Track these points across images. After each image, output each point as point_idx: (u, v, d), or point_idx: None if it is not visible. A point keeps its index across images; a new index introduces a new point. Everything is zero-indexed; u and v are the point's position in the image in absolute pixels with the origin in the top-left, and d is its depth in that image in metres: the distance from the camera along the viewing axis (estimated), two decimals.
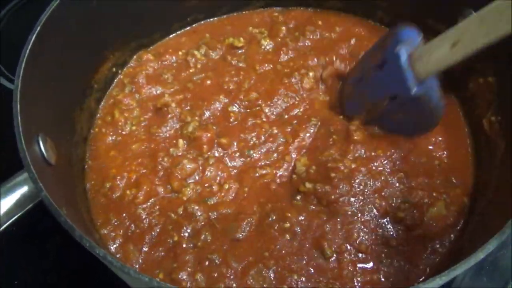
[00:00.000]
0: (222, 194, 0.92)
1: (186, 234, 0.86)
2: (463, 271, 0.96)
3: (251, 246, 0.85)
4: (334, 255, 0.83)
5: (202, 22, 1.23)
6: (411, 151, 0.95)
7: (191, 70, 1.13)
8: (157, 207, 0.90)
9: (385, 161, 0.93)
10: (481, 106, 0.94)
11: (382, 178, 0.91)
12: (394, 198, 0.89)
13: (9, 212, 0.71)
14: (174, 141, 0.98)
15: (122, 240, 0.86)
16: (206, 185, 0.93)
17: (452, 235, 0.87)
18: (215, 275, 0.81)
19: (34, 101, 0.79)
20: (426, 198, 0.89)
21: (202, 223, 0.87)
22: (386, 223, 0.87)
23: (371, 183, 0.90)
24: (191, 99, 1.05)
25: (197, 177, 0.94)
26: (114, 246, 0.86)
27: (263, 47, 1.14)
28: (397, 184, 0.91)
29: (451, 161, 0.95)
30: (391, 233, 0.86)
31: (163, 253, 0.85)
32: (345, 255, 0.83)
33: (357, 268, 0.83)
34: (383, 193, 0.89)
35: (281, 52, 1.12)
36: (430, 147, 0.96)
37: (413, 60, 0.82)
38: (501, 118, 0.88)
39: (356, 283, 0.81)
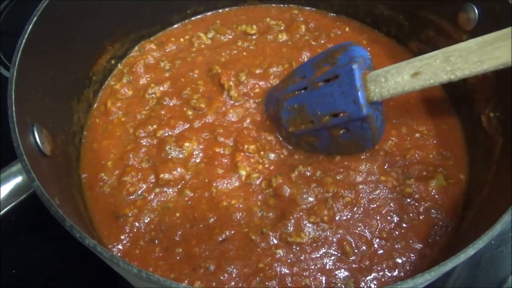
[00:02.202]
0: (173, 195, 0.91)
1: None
2: (460, 267, 0.99)
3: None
4: (356, 251, 0.84)
5: (209, 13, 1.22)
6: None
7: (192, 49, 1.13)
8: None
9: None
10: (480, 102, 0.93)
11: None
12: (395, 173, 0.92)
13: (3, 201, 0.71)
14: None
15: (118, 236, 0.87)
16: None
17: (457, 212, 0.89)
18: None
19: (30, 91, 0.80)
20: (424, 172, 0.91)
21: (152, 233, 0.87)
22: (397, 201, 0.89)
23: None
24: (172, 79, 1.06)
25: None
26: (114, 243, 0.86)
27: (279, 39, 1.15)
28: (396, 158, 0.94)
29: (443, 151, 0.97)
30: (403, 210, 0.88)
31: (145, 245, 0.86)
32: (364, 247, 0.84)
33: (375, 257, 0.84)
34: (385, 167, 0.92)
35: (302, 50, 1.12)
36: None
37: (366, 81, 0.81)
38: (499, 114, 0.87)
39: (374, 273, 0.82)
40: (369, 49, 1.13)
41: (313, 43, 1.15)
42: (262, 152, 0.94)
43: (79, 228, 0.59)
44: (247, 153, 0.93)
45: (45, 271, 1.00)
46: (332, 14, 1.22)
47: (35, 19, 0.81)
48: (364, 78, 0.81)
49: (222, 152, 0.95)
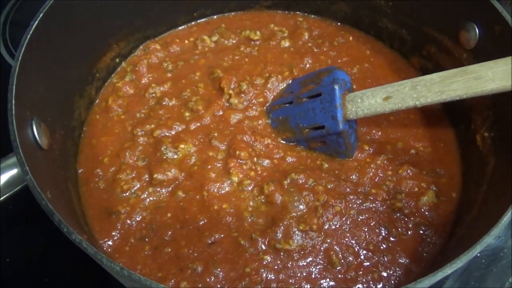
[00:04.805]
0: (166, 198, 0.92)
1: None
2: (448, 285, 1.00)
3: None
4: (342, 261, 0.85)
5: (215, 16, 1.24)
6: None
7: (195, 52, 1.15)
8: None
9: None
10: (477, 121, 0.94)
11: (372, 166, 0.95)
12: (386, 186, 0.93)
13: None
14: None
15: (109, 232, 0.88)
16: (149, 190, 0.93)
17: (446, 229, 0.89)
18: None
19: (32, 85, 0.81)
20: (416, 188, 0.92)
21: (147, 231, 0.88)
22: (387, 214, 0.90)
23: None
24: (173, 79, 1.08)
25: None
26: (105, 239, 0.87)
27: (281, 45, 1.16)
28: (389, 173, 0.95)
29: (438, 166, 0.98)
30: (392, 224, 0.89)
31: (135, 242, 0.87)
32: (351, 258, 0.85)
33: (361, 269, 0.84)
34: (376, 179, 0.94)
35: (304, 57, 1.13)
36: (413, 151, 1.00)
37: (345, 100, 0.90)
38: (493, 134, 0.88)
39: (359, 284, 0.83)
40: (372, 59, 1.15)
41: (316, 50, 1.16)
42: (255, 159, 0.96)
43: (66, 223, 0.61)
44: (239, 160, 0.94)
45: (40, 261, 1.01)
46: (336, 23, 1.23)
47: (41, 15, 0.82)
48: (343, 97, 0.90)
49: (215, 156, 0.96)
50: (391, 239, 0.87)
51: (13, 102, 0.72)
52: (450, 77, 0.79)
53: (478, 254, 1.00)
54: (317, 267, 0.84)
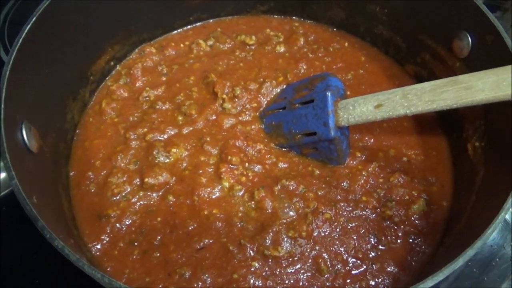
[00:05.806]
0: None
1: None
2: None
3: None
4: (330, 268, 0.85)
5: (211, 20, 1.24)
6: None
7: (191, 55, 1.15)
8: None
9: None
10: (469, 130, 0.94)
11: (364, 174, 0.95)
12: (377, 194, 0.93)
13: None
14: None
15: (98, 236, 0.88)
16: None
17: (436, 238, 0.89)
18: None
19: (24, 89, 0.81)
20: (406, 196, 0.92)
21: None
22: (377, 222, 0.90)
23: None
24: (167, 83, 1.08)
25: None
26: (94, 242, 0.87)
27: (276, 50, 1.16)
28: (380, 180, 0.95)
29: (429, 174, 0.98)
30: (382, 232, 0.89)
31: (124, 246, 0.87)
32: (339, 266, 0.85)
33: (349, 277, 0.84)
34: (367, 187, 0.94)
35: (298, 62, 1.13)
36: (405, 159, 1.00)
37: (337, 107, 0.90)
38: (484, 144, 0.87)
39: None
40: (367, 66, 1.15)
41: (311, 55, 1.16)
42: (247, 164, 0.96)
43: (50, 229, 0.61)
44: (230, 165, 0.94)
45: (34, 261, 1.01)
46: (332, 29, 1.23)
47: (33, 19, 0.83)
48: (335, 104, 0.91)
49: (206, 161, 0.96)
50: (380, 247, 0.87)
51: (3, 105, 0.72)
52: (441, 86, 0.79)
53: (469, 263, 1.02)
54: (305, 275, 0.84)
